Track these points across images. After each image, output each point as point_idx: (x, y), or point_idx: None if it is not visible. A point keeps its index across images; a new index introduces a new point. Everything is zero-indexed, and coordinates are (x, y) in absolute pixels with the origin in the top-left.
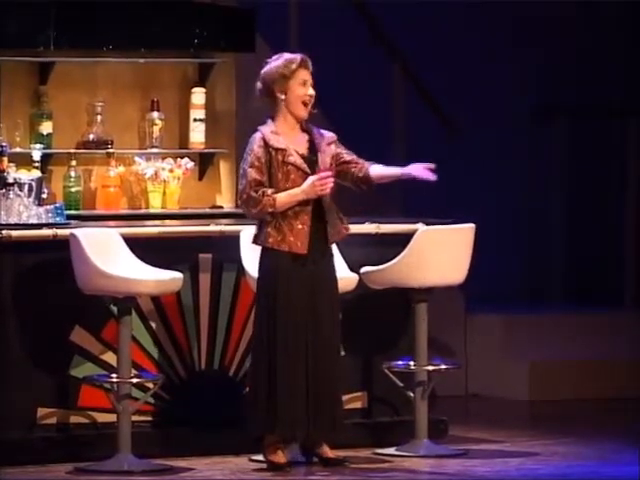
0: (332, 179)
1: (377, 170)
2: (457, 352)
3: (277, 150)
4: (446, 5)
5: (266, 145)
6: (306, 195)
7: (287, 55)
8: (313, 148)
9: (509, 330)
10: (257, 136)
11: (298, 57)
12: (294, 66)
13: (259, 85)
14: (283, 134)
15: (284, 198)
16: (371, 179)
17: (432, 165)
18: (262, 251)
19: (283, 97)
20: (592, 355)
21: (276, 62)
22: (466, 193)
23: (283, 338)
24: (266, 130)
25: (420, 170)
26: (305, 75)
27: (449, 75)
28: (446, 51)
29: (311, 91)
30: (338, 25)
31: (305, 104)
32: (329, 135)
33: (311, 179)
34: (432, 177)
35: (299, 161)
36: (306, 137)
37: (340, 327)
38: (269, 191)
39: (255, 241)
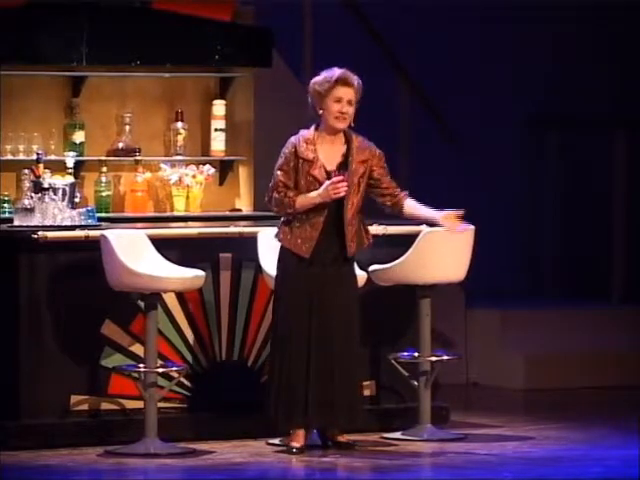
0: (345, 184)
1: (410, 208)
2: (458, 344)
3: (305, 161)
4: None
5: (296, 153)
6: (322, 198)
7: (327, 72)
8: (344, 163)
9: (506, 324)
10: (291, 141)
11: (335, 75)
12: (328, 85)
13: (309, 99)
14: (319, 144)
15: (303, 200)
16: (402, 214)
17: (461, 212)
18: (280, 247)
19: (321, 112)
20: (583, 347)
21: (317, 79)
22: (466, 195)
23: (285, 332)
24: (302, 137)
25: (450, 223)
26: (340, 92)
27: (449, 78)
28: (447, 54)
29: (345, 108)
30: (349, 42)
31: (338, 119)
32: (370, 152)
33: (326, 183)
34: (460, 230)
35: (321, 176)
36: (342, 150)
37: (357, 324)
38: (291, 193)
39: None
